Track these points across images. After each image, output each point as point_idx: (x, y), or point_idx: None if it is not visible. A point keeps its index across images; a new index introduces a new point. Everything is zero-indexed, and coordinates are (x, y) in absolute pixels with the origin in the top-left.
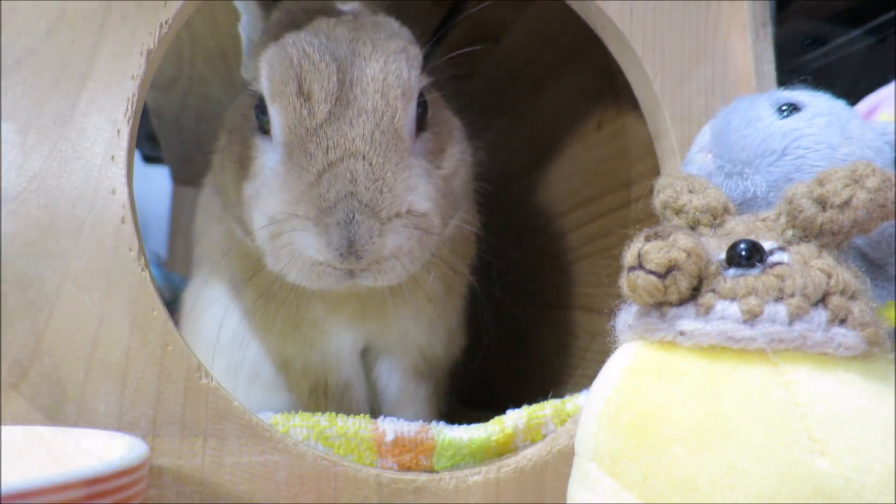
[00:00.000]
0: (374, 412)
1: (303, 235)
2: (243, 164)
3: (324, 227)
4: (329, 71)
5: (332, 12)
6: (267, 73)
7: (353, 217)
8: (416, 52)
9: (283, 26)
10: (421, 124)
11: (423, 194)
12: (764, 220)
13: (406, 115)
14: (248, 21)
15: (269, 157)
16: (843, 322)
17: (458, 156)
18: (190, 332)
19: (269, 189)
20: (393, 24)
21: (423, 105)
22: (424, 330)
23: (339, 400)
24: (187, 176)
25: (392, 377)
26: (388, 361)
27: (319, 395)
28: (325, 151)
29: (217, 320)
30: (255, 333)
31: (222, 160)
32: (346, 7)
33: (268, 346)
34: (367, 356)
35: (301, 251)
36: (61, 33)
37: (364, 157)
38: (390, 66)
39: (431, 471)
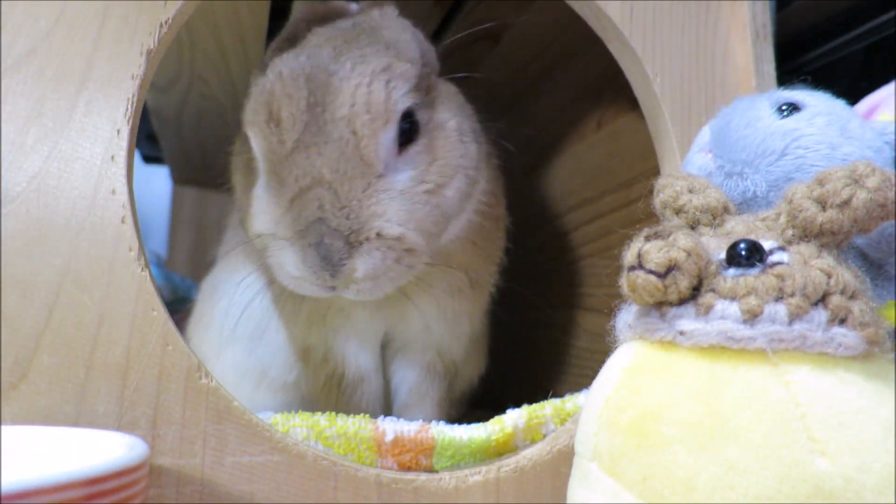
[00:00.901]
0: (388, 411)
1: (282, 253)
2: (248, 173)
3: (300, 247)
4: (299, 96)
5: (339, 14)
6: (248, 100)
7: (323, 240)
8: (403, 69)
9: (283, 40)
10: (410, 136)
11: (394, 218)
12: (764, 219)
13: (376, 142)
14: None
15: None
16: (843, 322)
17: (452, 163)
18: (206, 315)
19: (255, 208)
20: (394, 30)
21: (411, 122)
22: (446, 327)
23: (350, 394)
24: (187, 176)
25: (407, 375)
26: (405, 357)
27: (333, 386)
28: (295, 179)
29: (240, 306)
30: (279, 318)
31: (234, 165)
32: (355, 7)
33: (290, 333)
34: (386, 352)
35: (282, 266)
36: (61, 33)
37: (330, 186)
38: (361, 91)
39: (431, 470)
